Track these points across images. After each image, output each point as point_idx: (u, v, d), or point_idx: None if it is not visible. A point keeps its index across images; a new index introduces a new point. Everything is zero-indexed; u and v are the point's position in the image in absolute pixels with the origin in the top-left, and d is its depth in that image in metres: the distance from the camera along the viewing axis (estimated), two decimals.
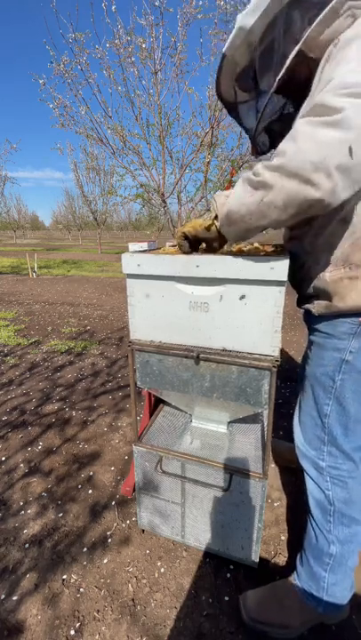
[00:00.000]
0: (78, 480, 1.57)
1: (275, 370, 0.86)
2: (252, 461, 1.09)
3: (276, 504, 1.44)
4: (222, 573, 1.15)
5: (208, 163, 4.11)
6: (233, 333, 0.89)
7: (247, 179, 0.68)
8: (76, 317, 4.39)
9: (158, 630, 1.00)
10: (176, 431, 1.26)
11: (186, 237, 0.85)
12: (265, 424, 1.20)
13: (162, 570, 1.17)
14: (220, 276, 0.83)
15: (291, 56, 0.71)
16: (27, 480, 1.57)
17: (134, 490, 1.31)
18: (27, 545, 1.26)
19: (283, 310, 0.82)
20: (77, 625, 1.01)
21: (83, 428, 1.97)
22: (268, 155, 0.99)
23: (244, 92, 0.93)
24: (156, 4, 3.40)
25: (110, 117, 3.96)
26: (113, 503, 1.44)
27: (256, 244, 1.04)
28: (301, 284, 0.89)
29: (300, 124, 0.59)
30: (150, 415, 1.36)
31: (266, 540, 1.28)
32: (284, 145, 0.62)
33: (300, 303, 0.94)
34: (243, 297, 0.84)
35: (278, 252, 0.90)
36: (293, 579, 1.01)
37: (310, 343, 0.92)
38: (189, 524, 1.16)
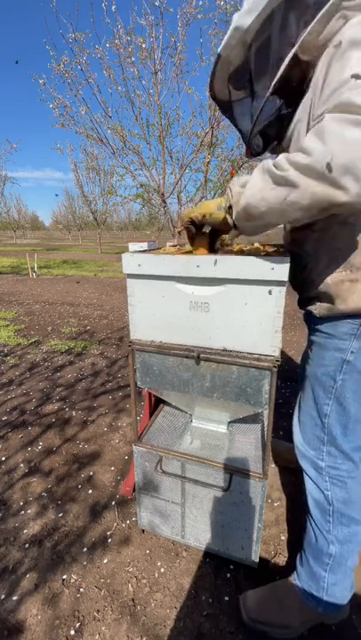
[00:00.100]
0: (78, 480, 1.57)
1: (275, 370, 0.86)
2: (252, 461, 1.09)
3: (276, 504, 1.44)
4: (222, 573, 1.15)
5: (208, 163, 4.12)
6: (233, 333, 0.89)
7: (268, 170, 0.64)
8: (76, 317, 4.39)
9: (158, 630, 1.00)
10: (176, 431, 1.26)
11: (193, 223, 0.85)
12: (265, 424, 1.20)
13: (162, 570, 1.17)
14: (221, 276, 0.83)
15: (287, 59, 0.70)
16: (27, 480, 1.57)
17: (134, 490, 1.31)
18: (27, 545, 1.26)
19: (283, 310, 0.82)
20: (77, 625, 1.01)
21: (83, 428, 1.97)
22: (267, 155, 0.99)
23: (238, 90, 0.92)
24: (156, 4, 3.40)
25: (110, 117, 3.97)
26: (113, 503, 1.44)
27: (256, 244, 1.04)
28: (303, 285, 0.89)
29: (328, 121, 0.57)
30: (150, 415, 1.36)
31: (266, 540, 1.28)
32: (310, 142, 0.58)
33: (301, 304, 0.94)
34: (244, 297, 0.84)
35: (279, 252, 0.90)
36: (293, 579, 1.01)
37: (311, 343, 0.92)
38: (189, 523, 1.16)
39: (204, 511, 1.12)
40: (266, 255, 0.81)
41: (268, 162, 0.65)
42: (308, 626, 0.97)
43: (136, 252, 0.96)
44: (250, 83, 0.85)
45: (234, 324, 0.88)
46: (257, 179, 0.67)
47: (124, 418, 2.07)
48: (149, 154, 4.16)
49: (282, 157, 0.63)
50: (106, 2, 3.46)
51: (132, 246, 1.02)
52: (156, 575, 1.15)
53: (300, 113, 0.75)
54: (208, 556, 1.21)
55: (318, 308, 0.83)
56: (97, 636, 0.98)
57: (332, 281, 0.77)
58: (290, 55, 0.70)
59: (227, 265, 0.82)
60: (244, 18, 0.75)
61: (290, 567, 1.12)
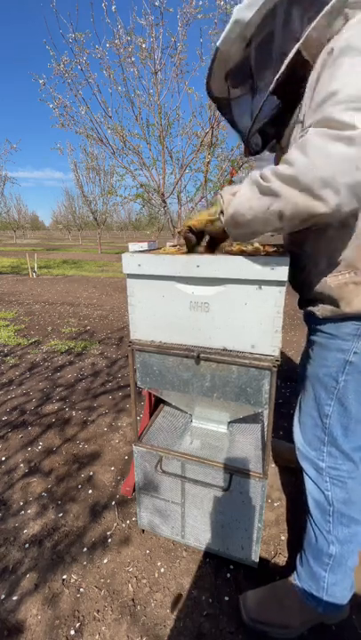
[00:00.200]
0: (78, 480, 1.57)
1: (275, 370, 0.86)
2: (252, 461, 1.09)
3: (276, 504, 1.44)
4: (222, 573, 1.15)
5: (208, 163, 4.12)
6: (233, 333, 0.89)
7: (255, 181, 0.67)
8: (76, 317, 4.39)
9: (158, 630, 1.00)
10: (176, 431, 1.26)
11: (191, 230, 0.85)
12: (265, 424, 1.20)
13: (162, 570, 1.17)
14: (221, 275, 0.83)
15: (291, 53, 0.69)
16: (27, 480, 1.57)
17: (134, 490, 1.31)
18: (27, 545, 1.26)
19: (283, 310, 0.82)
20: (77, 625, 1.01)
21: (83, 428, 1.97)
22: (266, 154, 0.99)
23: (236, 88, 0.91)
24: (156, 4, 3.41)
25: (110, 117, 3.97)
26: (113, 503, 1.44)
27: (256, 244, 1.04)
28: (302, 286, 0.89)
29: (312, 135, 0.59)
30: (150, 415, 1.36)
31: (266, 540, 1.28)
32: (293, 155, 0.61)
33: (301, 305, 0.94)
34: (244, 297, 0.84)
35: (279, 252, 0.90)
36: (293, 579, 1.01)
37: (312, 343, 0.91)
38: (189, 523, 1.16)
39: (204, 511, 1.12)
40: (266, 255, 0.81)
41: (255, 173, 0.69)
42: (308, 626, 0.97)
43: (136, 252, 0.96)
44: (250, 79, 0.84)
45: (234, 323, 0.88)
46: (246, 188, 0.70)
47: (124, 418, 2.07)
48: (149, 154, 4.17)
49: (268, 169, 0.66)
50: (106, 2, 3.47)
51: (132, 246, 1.02)
52: (156, 575, 1.15)
53: (298, 114, 0.74)
54: (208, 556, 1.21)
55: (322, 310, 0.83)
56: (97, 636, 0.98)
57: (334, 284, 0.77)
58: (294, 50, 0.69)
59: (227, 265, 0.81)
60: (245, 11, 0.74)
61: (290, 567, 1.12)
